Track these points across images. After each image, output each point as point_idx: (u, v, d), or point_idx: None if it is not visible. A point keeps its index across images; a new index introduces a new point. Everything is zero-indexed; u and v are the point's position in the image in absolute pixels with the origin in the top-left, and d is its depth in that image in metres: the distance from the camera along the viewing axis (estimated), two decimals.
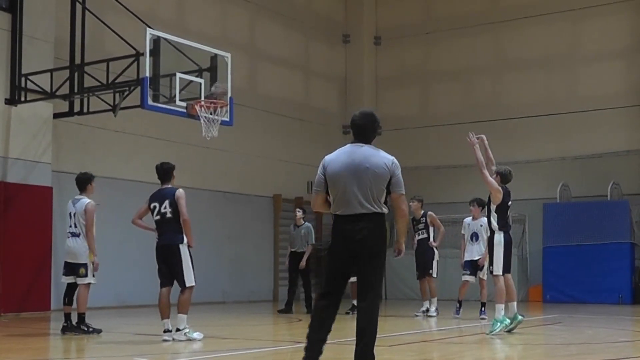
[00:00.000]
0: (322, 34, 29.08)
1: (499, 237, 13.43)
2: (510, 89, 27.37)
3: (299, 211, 19.51)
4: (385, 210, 7.81)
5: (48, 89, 17.83)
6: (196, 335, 12.08)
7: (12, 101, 17.93)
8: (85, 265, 13.12)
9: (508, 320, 13.18)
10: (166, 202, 12.04)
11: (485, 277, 17.29)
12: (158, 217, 12.12)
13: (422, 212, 18.47)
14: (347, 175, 7.72)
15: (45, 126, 18.57)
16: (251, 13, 26.00)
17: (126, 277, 20.32)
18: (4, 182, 17.79)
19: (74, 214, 13.26)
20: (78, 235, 13.19)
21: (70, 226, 13.27)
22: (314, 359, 7.67)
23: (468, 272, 17.51)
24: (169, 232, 12.01)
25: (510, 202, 13.86)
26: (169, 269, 11.99)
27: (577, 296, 23.72)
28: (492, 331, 13.13)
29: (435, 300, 18.20)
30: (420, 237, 18.46)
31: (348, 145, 7.96)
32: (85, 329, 13.12)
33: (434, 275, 18.28)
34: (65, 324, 13.23)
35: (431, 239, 18.32)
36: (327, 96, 28.86)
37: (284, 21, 27.27)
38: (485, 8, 28.01)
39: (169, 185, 12.27)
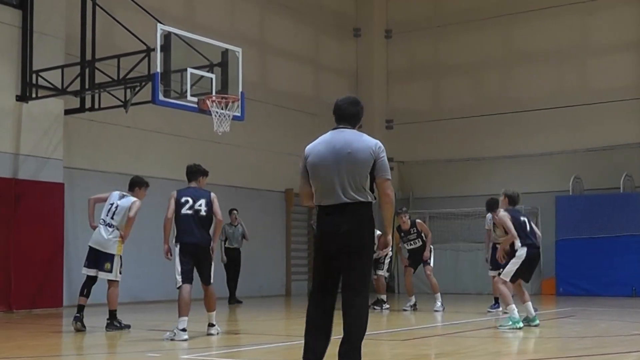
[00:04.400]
0: (332, 27, 29.03)
1: (522, 252, 13.48)
2: (521, 81, 27.27)
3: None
4: (371, 198, 7.26)
5: (59, 86, 17.83)
6: None
7: (23, 98, 17.94)
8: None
9: (521, 324, 13.20)
10: None
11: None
12: None
13: (410, 222, 18.27)
14: (327, 163, 7.24)
15: (56, 122, 18.58)
16: (261, 7, 25.97)
17: (139, 273, 20.29)
18: (15, 178, 17.81)
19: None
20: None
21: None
22: None
23: (491, 267, 17.29)
24: None
25: (523, 218, 13.81)
26: None
27: (590, 289, 23.65)
28: (502, 325, 13.41)
29: (439, 295, 17.95)
30: (413, 246, 18.25)
31: (330, 131, 7.49)
32: (117, 324, 13.29)
33: (431, 264, 18.10)
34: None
35: (425, 242, 18.14)
36: (338, 90, 28.70)
37: (294, 15, 27.22)
38: (496, 1, 27.91)
39: None
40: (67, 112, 18.78)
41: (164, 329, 12.45)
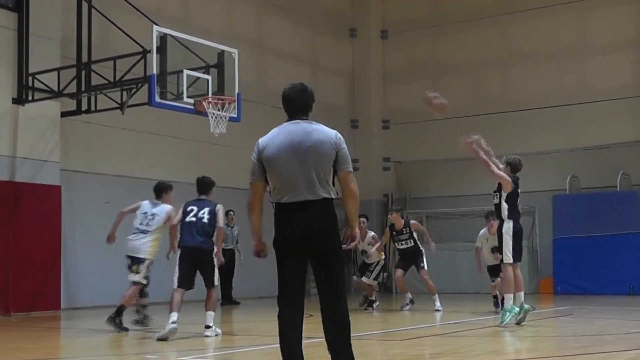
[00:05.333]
0: (329, 28, 29.03)
1: (508, 225, 13.42)
2: (519, 81, 27.27)
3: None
4: (334, 194, 6.83)
5: (55, 88, 17.83)
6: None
7: (19, 100, 17.94)
8: None
9: (517, 309, 13.17)
10: None
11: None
12: None
13: (403, 221, 18.21)
14: (288, 157, 6.79)
15: (52, 125, 18.57)
16: (258, 8, 25.96)
17: None
18: (12, 181, 17.81)
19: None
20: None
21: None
22: None
23: (491, 276, 17.21)
24: None
25: (519, 190, 13.82)
26: None
27: (588, 288, 23.63)
28: (502, 322, 13.19)
29: (437, 296, 17.85)
30: (405, 246, 18.17)
31: (284, 123, 7.04)
32: (118, 322, 13.38)
33: (425, 267, 18.04)
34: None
35: (417, 243, 18.11)
36: (335, 91, 28.78)
37: (291, 16, 27.21)
38: (493, 0, 27.90)
39: None
40: (64, 114, 18.78)
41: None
